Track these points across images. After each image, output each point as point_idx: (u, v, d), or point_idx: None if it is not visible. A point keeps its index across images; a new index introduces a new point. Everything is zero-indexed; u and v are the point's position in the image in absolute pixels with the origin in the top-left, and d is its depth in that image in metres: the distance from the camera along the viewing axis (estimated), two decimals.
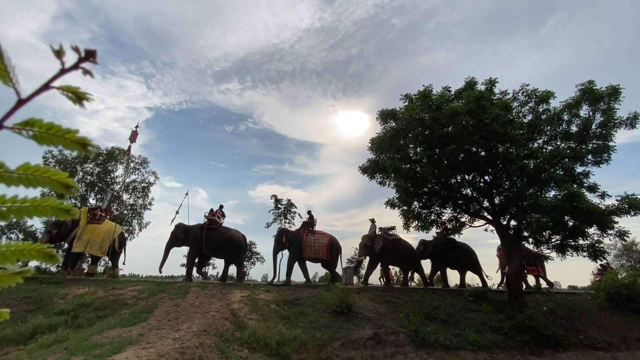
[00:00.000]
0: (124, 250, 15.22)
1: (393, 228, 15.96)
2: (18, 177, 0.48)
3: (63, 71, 0.47)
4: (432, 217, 14.93)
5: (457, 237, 15.80)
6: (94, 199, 23.41)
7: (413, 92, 14.17)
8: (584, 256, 12.38)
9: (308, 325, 9.58)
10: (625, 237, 11.95)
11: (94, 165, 23.50)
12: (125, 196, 24.23)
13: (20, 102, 0.45)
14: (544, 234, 12.32)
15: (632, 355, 10.03)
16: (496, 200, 13.94)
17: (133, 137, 14.51)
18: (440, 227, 15.42)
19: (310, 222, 15.22)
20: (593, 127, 12.69)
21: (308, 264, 14.93)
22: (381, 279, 17.36)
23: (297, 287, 13.04)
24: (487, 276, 16.60)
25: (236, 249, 14.45)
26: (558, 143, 13.58)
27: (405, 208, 14.44)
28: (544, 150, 13.45)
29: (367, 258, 15.38)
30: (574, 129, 13.23)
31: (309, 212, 15.73)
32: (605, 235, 12.02)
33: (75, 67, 0.47)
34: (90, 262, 15.77)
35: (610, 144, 12.51)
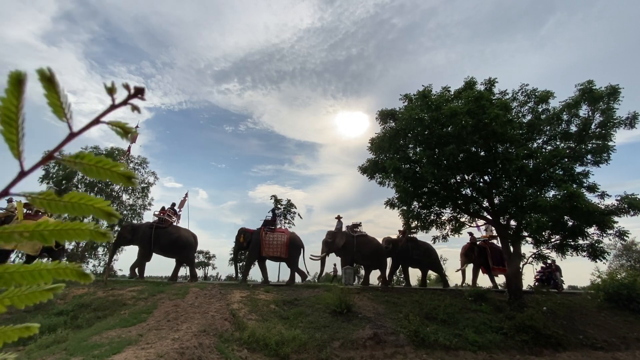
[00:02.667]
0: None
1: (359, 225, 15.81)
2: (64, 205, 0.51)
3: (113, 107, 0.50)
4: (432, 217, 14.93)
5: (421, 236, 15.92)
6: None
7: (413, 92, 14.18)
8: (584, 256, 12.40)
9: (307, 326, 9.57)
10: (624, 237, 11.97)
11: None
12: (124, 197, 24.22)
13: (72, 135, 0.49)
14: (543, 233, 12.32)
15: (631, 355, 10.04)
16: (496, 200, 13.95)
17: (133, 137, 14.47)
18: (439, 227, 15.42)
19: (271, 221, 15.03)
20: (592, 127, 12.70)
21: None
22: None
23: (297, 288, 13.02)
24: (446, 276, 16.72)
25: (185, 248, 14.20)
26: (557, 143, 13.59)
27: (405, 208, 14.42)
28: (544, 150, 13.46)
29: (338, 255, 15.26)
30: (573, 128, 13.24)
31: (272, 211, 15.61)
32: (604, 235, 12.03)
33: (124, 103, 0.50)
34: (24, 262, 15.66)
35: (610, 143, 12.53)
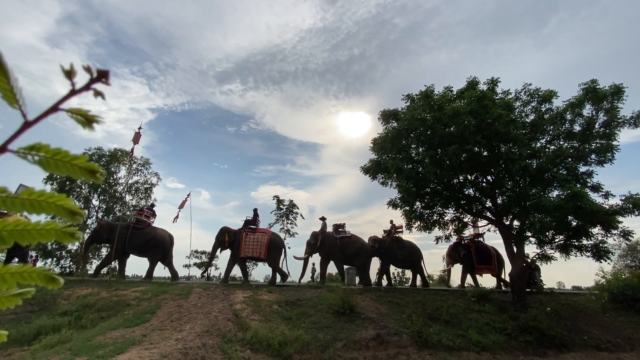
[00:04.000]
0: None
1: (343, 225, 15.75)
2: (21, 202, 0.47)
3: (73, 92, 0.45)
4: (435, 218, 14.89)
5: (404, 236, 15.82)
6: (97, 200, 23.53)
7: (415, 92, 14.17)
8: (588, 256, 12.32)
9: (310, 326, 9.57)
10: (629, 237, 11.87)
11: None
12: (128, 197, 24.32)
13: (27, 125, 0.44)
14: (547, 234, 12.25)
15: (636, 356, 9.95)
16: (499, 201, 13.89)
17: (136, 138, 14.54)
18: (442, 228, 15.38)
19: (252, 221, 14.96)
20: (596, 126, 12.63)
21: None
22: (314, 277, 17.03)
23: (300, 288, 13.02)
24: (428, 276, 16.59)
25: (157, 248, 14.20)
26: (561, 143, 13.53)
27: (408, 208, 14.40)
28: (547, 150, 13.40)
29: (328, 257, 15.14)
30: (577, 128, 13.17)
31: (255, 210, 15.56)
32: (609, 235, 11.95)
33: (86, 88, 0.46)
34: None
35: (614, 143, 12.46)
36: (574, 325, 11.17)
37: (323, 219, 16.23)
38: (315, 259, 16.37)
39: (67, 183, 21.97)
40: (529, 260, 15.38)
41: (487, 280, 18.24)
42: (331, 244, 14.80)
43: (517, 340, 10.00)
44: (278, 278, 14.29)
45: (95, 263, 24.01)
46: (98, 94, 0.47)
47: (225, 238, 14.37)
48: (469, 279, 16.52)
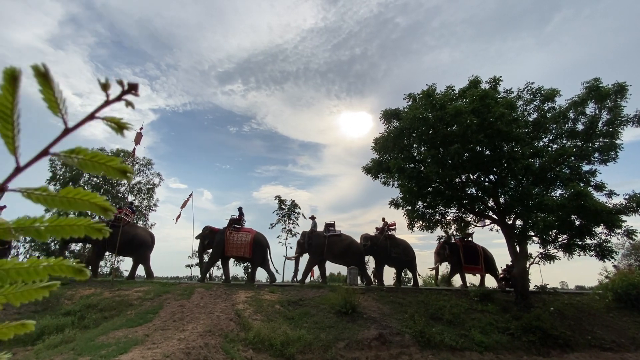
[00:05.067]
0: None
1: (332, 225, 15.68)
2: (60, 200, 0.51)
3: (107, 103, 0.50)
4: (437, 217, 14.84)
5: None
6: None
7: (417, 92, 14.13)
8: (592, 256, 12.25)
9: (312, 326, 9.56)
10: (633, 236, 11.80)
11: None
12: (130, 198, 24.41)
13: (67, 131, 0.49)
14: (550, 233, 12.20)
15: None
16: (501, 200, 13.83)
17: (137, 139, 14.57)
18: (445, 227, 15.32)
19: (237, 220, 14.93)
20: (599, 125, 12.56)
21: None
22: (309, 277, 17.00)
23: (302, 288, 13.02)
24: (419, 275, 16.54)
25: (140, 247, 14.14)
26: (564, 141, 13.46)
27: (410, 208, 14.37)
28: (550, 148, 13.33)
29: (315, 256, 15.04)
30: (580, 127, 13.09)
31: (239, 209, 15.55)
32: (613, 234, 11.88)
33: (118, 99, 0.51)
34: None
35: (617, 142, 12.38)
36: (577, 325, 11.10)
37: (313, 218, 16.25)
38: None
39: (70, 184, 22.09)
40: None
41: (488, 280, 18.17)
42: (320, 242, 14.78)
43: (520, 340, 9.95)
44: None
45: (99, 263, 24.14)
46: (129, 104, 0.53)
47: (205, 238, 14.37)
48: (468, 279, 16.48)
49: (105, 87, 0.49)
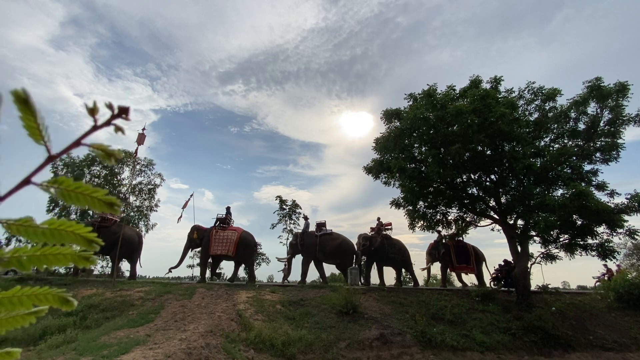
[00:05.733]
0: None
1: (324, 224, 15.68)
2: (42, 232, 0.49)
3: (95, 128, 0.48)
4: (438, 217, 14.83)
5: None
6: None
7: (418, 92, 14.12)
8: (593, 256, 12.22)
9: (314, 326, 9.57)
10: (635, 236, 11.77)
11: (100, 168, 23.76)
12: (131, 198, 24.45)
13: (50, 159, 0.46)
14: (551, 233, 12.18)
15: None
16: (502, 200, 13.81)
17: (140, 139, 14.60)
18: (446, 227, 15.31)
19: (224, 219, 14.91)
20: (601, 124, 12.53)
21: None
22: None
23: (303, 288, 13.03)
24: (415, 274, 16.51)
25: (125, 247, 13.97)
26: (565, 141, 13.43)
27: (411, 208, 14.36)
28: (551, 148, 13.31)
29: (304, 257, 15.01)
30: (581, 126, 13.07)
31: (227, 208, 15.51)
32: (614, 234, 11.85)
33: (107, 123, 0.48)
34: None
35: (619, 141, 12.35)
36: (579, 325, 11.08)
37: (306, 218, 16.25)
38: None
39: None
40: (509, 260, 15.44)
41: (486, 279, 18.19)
42: (311, 242, 14.77)
43: (521, 340, 9.94)
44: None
45: (101, 264, 24.21)
46: (118, 129, 0.49)
47: (194, 235, 14.32)
48: (469, 279, 16.52)
49: (92, 111, 0.47)
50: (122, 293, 11.05)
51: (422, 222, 14.57)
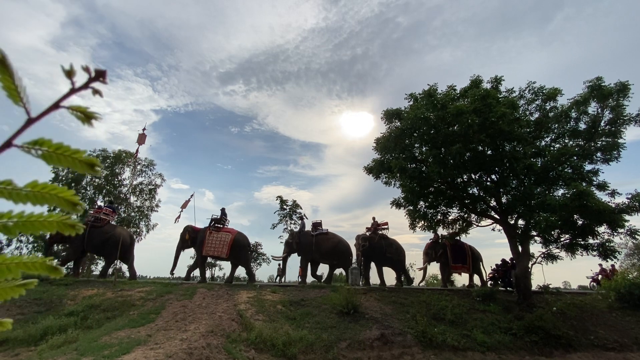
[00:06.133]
0: None
1: (319, 224, 15.65)
2: (25, 195, 0.49)
3: (73, 91, 0.48)
4: (439, 217, 14.82)
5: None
6: (101, 202, 23.73)
7: (418, 92, 14.12)
8: (594, 255, 12.23)
9: (314, 326, 9.57)
10: (636, 236, 11.76)
11: (102, 169, 23.81)
12: (132, 198, 24.49)
13: (30, 121, 0.46)
14: (552, 233, 12.17)
15: None
16: (503, 200, 13.81)
17: (141, 139, 14.62)
18: (446, 227, 15.29)
19: (219, 220, 14.87)
20: (602, 124, 12.53)
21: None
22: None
23: (304, 288, 13.03)
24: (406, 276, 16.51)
25: (115, 247, 13.74)
26: (566, 141, 13.43)
27: (411, 208, 14.35)
28: (552, 148, 13.30)
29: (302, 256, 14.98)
30: (582, 126, 13.06)
31: (222, 210, 15.48)
32: (615, 234, 11.85)
33: (85, 87, 0.48)
34: None
35: (620, 141, 12.34)
36: (580, 325, 11.07)
37: (302, 217, 16.25)
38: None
39: (73, 185, 22.17)
40: (507, 260, 15.44)
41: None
42: (308, 241, 14.76)
43: (522, 340, 9.93)
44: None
45: (102, 264, 24.27)
46: (96, 92, 0.49)
47: (186, 237, 14.28)
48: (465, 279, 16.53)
49: (69, 74, 0.47)
50: (123, 293, 11.07)
51: (422, 222, 14.56)
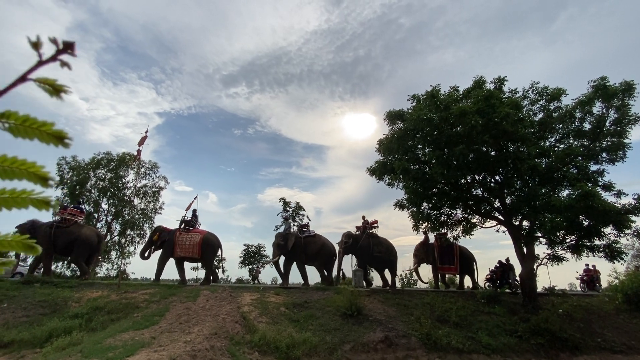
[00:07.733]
0: None
1: (307, 225, 15.62)
2: None
3: (40, 63, 0.47)
4: (442, 218, 14.74)
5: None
6: (106, 204, 23.87)
7: (421, 93, 14.08)
8: (600, 257, 12.11)
9: (318, 328, 9.54)
10: None
11: (105, 171, 23.96)
12: (136, 201, 24.61)
13: None
14: (558, 234, 12.05)
15: None
16: (507, 201, 13.71)
17: (141, 141, 14.86)
18: (450, 228, 15.19)
19: (189, 221, 14.87)
20: (607, 124, 12.42)
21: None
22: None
23: (307, 290, 13.01)
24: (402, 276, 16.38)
25: (81, 247, 13.56)
26: (571, 141, 13.32)
27: (415, 209, 14.29)
28: (556, 148, 13.20)
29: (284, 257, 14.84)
30: (587, 126, 12.96)
31: (194, 211, 15.48)
32: (622, 235, 11.73)
33: (53, 59, 0.47)
34: None
35: (625, 141, 12.23)
36: (587, 327, 10.94)
37: (286, 219, 16.25)
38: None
39: (77, 188, 22.32)
40: (504, 261, 15.32)
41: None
42: (297, 243, 14.67)
43: (528, 342, 9.84)
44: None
45: (106, 266, 24.37)
46: (64, 64, 0.49)
47: (155, 237, 14.22)
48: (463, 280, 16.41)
49: (36, 45, 0.45)
50: (127, 295, 11.10)
51: (426, 223, 14.49)
